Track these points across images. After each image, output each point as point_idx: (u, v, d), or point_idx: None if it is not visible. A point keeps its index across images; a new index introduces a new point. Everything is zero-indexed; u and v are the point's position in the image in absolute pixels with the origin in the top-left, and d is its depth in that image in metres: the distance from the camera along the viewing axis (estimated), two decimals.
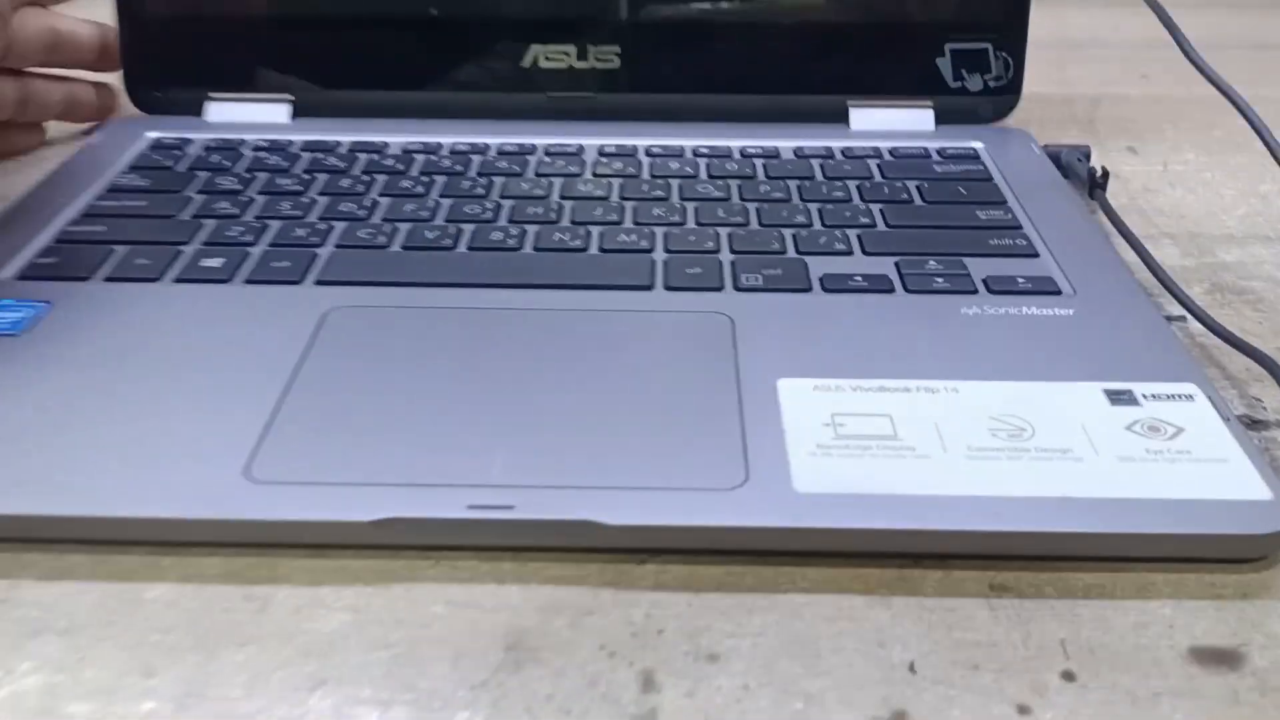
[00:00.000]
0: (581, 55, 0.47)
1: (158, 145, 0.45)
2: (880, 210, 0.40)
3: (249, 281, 0.35)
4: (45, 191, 0.41)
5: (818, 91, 0.48)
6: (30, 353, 0.31)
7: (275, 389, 0.29)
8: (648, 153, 0.45)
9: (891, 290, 0.35)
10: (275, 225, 0.39)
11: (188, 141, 0.45)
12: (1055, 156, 0.45)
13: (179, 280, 0.35)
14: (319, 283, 0.35)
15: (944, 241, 0.38)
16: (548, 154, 0.45)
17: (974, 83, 0.48)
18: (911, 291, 0.35)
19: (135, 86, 0.48)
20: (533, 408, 0.29)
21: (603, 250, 0.37)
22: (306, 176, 0.42)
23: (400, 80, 0.48)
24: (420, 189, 0.41)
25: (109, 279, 0.35)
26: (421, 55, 0.48)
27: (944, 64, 0.47)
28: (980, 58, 0.47)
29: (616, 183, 0.42)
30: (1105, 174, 0.42)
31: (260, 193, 0.41)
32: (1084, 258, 0.37)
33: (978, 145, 0.46)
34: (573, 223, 0.39)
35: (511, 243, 0.38)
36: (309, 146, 0.45)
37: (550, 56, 0.47)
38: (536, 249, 0.37)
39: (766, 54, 0.48)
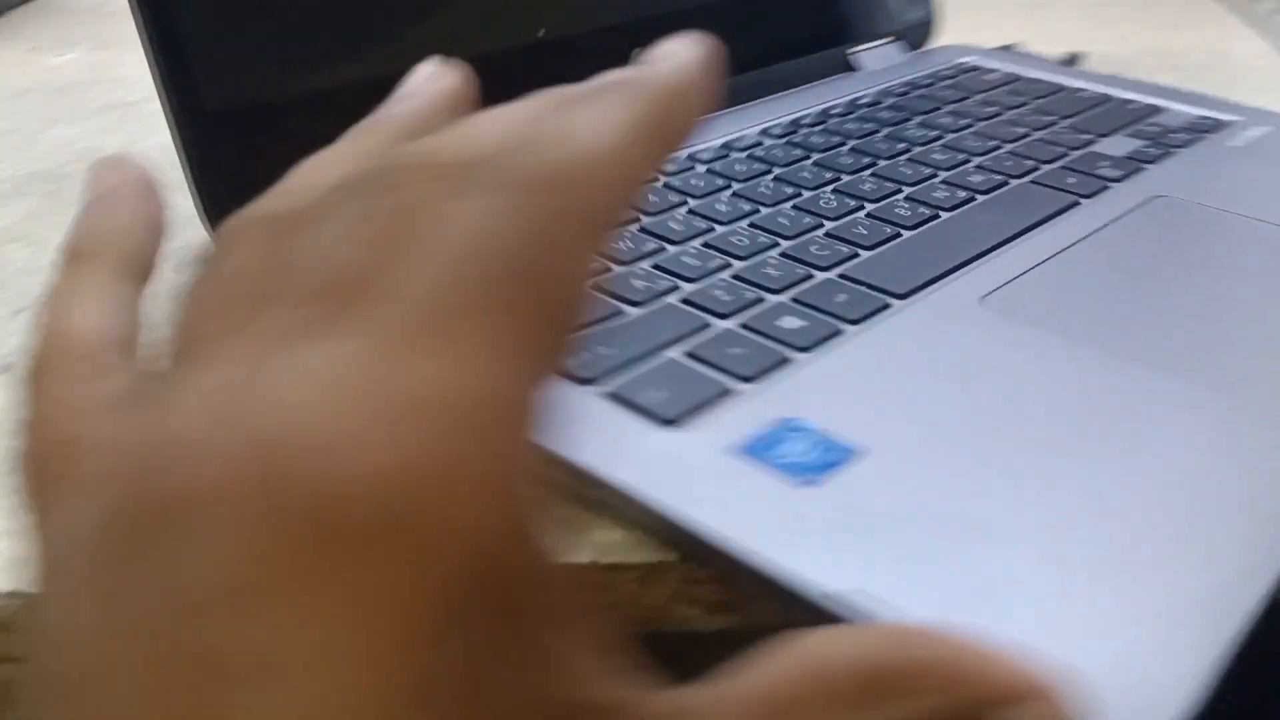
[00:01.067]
0: None
1: None
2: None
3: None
4: None
5: (822, 49, 0.51)
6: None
7: None
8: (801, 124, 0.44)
9: None
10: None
11: None
12: (1014, 54, 0.55)
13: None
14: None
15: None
16: (740, 149, 0.42)
17: (916, 11, 0.55)
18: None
19: (218, 208, 0.33)
20: None
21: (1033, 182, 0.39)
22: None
23: None
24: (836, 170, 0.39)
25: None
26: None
27: (895, 2, 0.54)
28: None
29: (877, 145, 0.42)
30: (1075, 55, 0.53)
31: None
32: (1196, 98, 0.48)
33: (969, 60, 0.53)
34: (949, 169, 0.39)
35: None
36: None
37: None
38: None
39: (769, 24, 0.49)
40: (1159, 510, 0.22)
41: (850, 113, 0.46)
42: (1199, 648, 0.19)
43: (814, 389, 0.26)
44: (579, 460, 0.24)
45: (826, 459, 0.24)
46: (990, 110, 0.46)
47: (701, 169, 0.40)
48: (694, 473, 0.24)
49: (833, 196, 0.37)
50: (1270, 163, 0.41)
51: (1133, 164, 0.40)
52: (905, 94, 0.48)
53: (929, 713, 0.14)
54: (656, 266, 0.32)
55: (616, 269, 0.32)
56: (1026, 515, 0.22)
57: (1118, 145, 0.42)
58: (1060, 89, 0.49)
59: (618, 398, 0.26)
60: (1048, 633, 0.19)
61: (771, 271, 0.32)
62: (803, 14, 0.50)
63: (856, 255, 0.33)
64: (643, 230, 0.35)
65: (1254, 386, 0.26)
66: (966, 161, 0.41)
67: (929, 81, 0.50)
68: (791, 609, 0.21)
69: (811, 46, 0.50)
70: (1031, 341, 0.28)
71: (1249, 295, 0.31)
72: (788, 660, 0.15)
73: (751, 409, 0.26)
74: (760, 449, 0.24)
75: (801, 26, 0.50)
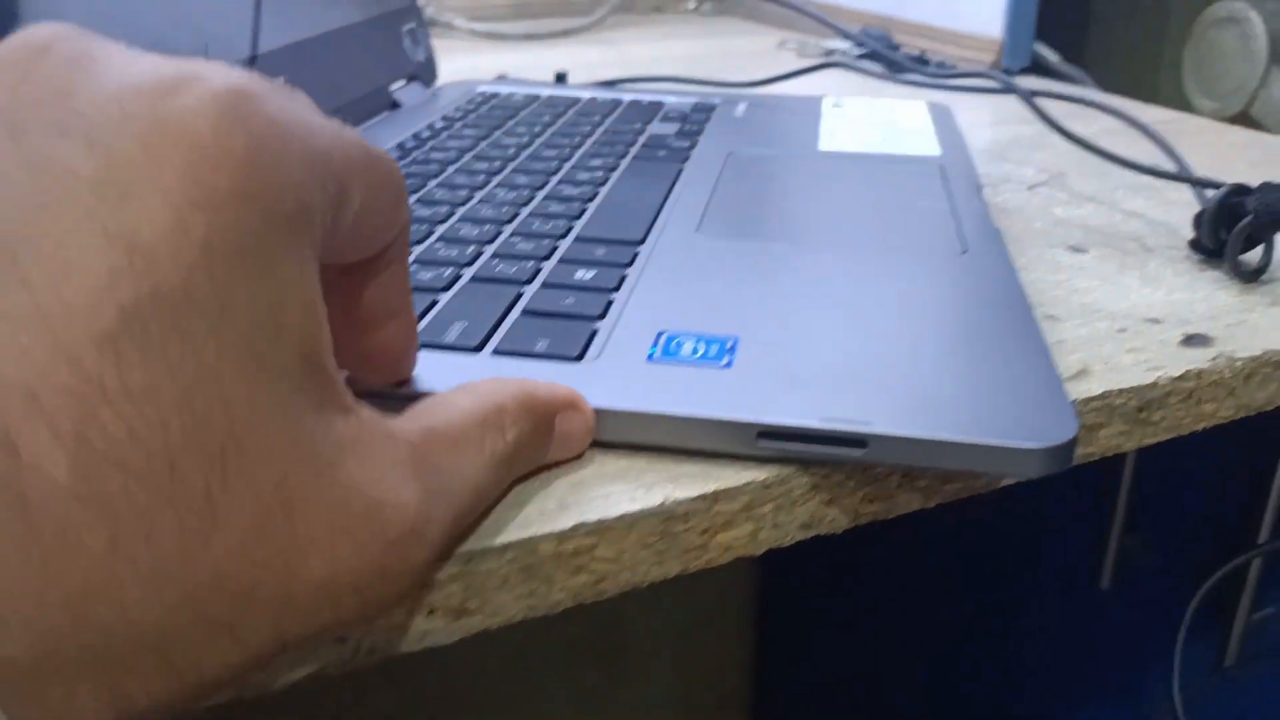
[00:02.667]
0: None
1: None
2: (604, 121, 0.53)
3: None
4: None
5: (371, 88, 0.53)
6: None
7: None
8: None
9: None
10: None
11: None
12: (513, 81, 0.61)
13: None
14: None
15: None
16: None
17: (420, 53, 0.59)
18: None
19: None
20: None
21: (635, 158, 0.44)
22: None
23: None
24: (484, 174, 0.38)
25: None
26: None
27: (409, 45, 0.57)
28: (416, 35, 0.59)
29: (492, 152, 0.45)
30: (562, 74, 0.62)
31: None
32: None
33: (484, 89, 0.59)
34: (568, 161, 0.43)
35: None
36: None
37: None
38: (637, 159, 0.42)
39: (330, 67, 0.51)
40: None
41: (443, 131, 0.49)
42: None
43: (651, 311, 0.30)
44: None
45: (722, 349, 0.28)
46: (545, 120, 0.52)
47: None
48: (644, 381, 0.26)
49: (507, 191, 0.41)
50: (764, 121, 0.53)
51: (686, 139, 0.49)
52: (466, 117, 0.53)
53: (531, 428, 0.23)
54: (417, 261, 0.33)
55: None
56: (858, 329, 0.29)
57: (663, 129, 0.51)
58: (579, 100, 0.57)
59: (515, 353, 0.27)
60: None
61: (523, 246, 0.35)
62: (351, 58, 0.52)
63: (571, 227, 0.37)
64: None
65: (853, 246, 0.36)
66: (573, 154, 0.46)
67: (474, 106, 0.55)
68: (776, 442, 0.25)
69: (360, 87, 0.52)
70: (747, 246, 0.35)
71: (821, 195, 0.41)
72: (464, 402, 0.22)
73: (627, 335, 0.29)
74: (672, 354, 0.27)
75: (351, 69, 0.52)
